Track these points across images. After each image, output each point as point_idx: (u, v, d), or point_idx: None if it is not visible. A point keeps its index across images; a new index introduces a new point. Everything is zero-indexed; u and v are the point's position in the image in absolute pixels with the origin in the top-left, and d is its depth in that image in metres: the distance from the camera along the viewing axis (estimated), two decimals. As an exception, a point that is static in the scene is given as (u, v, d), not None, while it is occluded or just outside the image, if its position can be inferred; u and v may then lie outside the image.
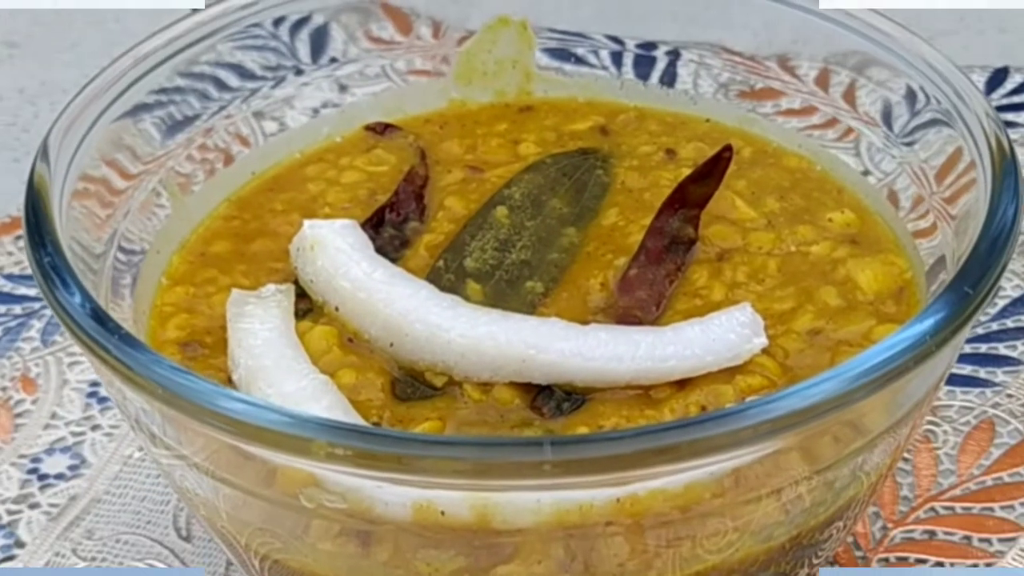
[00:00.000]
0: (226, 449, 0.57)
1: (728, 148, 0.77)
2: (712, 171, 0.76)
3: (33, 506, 0.85)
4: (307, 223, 0.75)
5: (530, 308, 0.73)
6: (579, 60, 0.91)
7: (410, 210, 0.81)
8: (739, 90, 0.88)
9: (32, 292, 0.98)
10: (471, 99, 0.90)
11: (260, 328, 0.71)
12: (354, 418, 0.66)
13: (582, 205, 0.80)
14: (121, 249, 0.76)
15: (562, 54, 0.91)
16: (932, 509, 0.80)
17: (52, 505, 0.85)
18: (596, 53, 0.91)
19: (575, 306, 0.73)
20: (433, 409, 0.68)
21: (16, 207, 1.04)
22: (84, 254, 0.71)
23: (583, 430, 0.66)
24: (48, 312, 0.94)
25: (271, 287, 0.74)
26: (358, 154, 0.86)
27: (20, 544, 0.83)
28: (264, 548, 0.63)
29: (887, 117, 0.80)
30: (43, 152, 0.69)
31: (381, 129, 0.88)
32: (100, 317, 0.61)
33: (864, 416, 0.62)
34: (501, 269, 0.76)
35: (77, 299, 0.61)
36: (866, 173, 0.81)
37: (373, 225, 0.79)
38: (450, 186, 0.83)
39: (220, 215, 0.82)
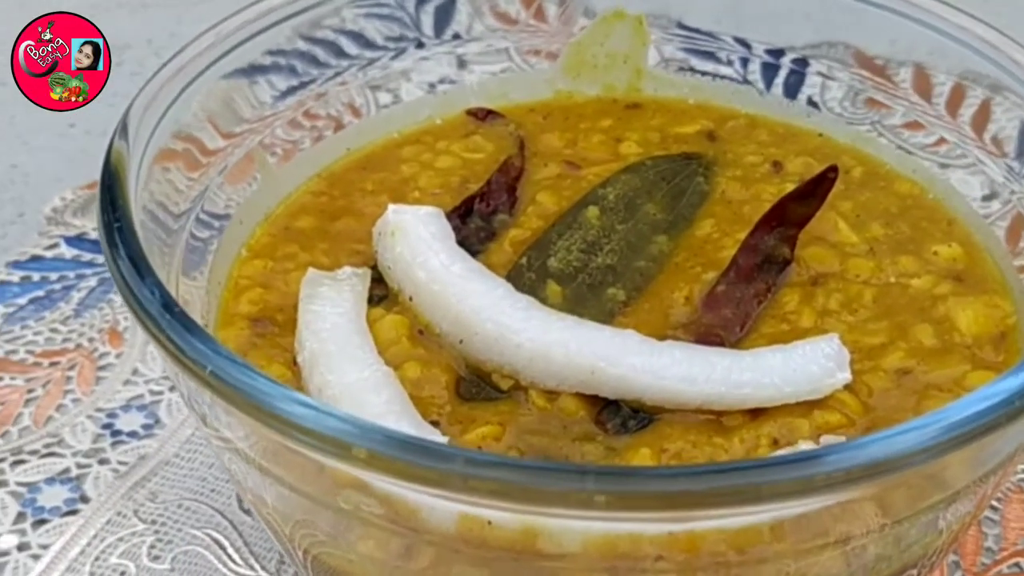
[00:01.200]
0: (269, 441, 0.56)
1: (833, 168, 0.73)
2: (815, 191, 0.73)
3: (103, 462, 0.85)
4: (391, 208, 0.74)
5: (608, 316, 0.71)
6: (705, 57, 0.88)
7: (500, 202, 0.79)
8: (867, 97, 0.84)
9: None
10: (578, 92, 0.87)
11: (331, 311, 0.69)
12: (412, 414, 0.64)
13: (677, 212, 0.77)
14: (205, 212, 0.74)
15: (685, 53, 0.88)
16: (1017, 565, 0.76)
17: (121, 463, 0.85)
18: (716, 55, 0.88)
19: (656, 318, 0.71)
20: (495, 412, 0.66)
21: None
22: (164, 214, 0.70)
23: (645, 452, 0.63)
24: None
25: (347, 270, 0.72)
26: (456, 139, 0.84)
27: (85, 499, 0.83)
28: (306, 542, 0.61)
29: (1016, 148, 0.76)
30: (126, 115, 0.68)
31: (483, 115, 0.86)
32: (164, 298, 0.59)
33: (946, 469, 0.58)
34: (585, 272, 0.73)
35: (142, 280, 0.59)
36: (989, 197, 0.76)
37: (461, 215, 0.77)
38: (544, 180, 0.80)
39: (309, 189, 0.81)
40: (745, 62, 0.87)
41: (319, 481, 0.55)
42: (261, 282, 0.74)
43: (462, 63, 0.91)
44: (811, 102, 0.85)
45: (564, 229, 0.76)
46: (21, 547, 0.81)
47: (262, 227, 0.78)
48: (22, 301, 0.96)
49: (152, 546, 0.81)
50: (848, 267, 0.73)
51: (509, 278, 0.73)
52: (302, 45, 0.85)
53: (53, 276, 0.98)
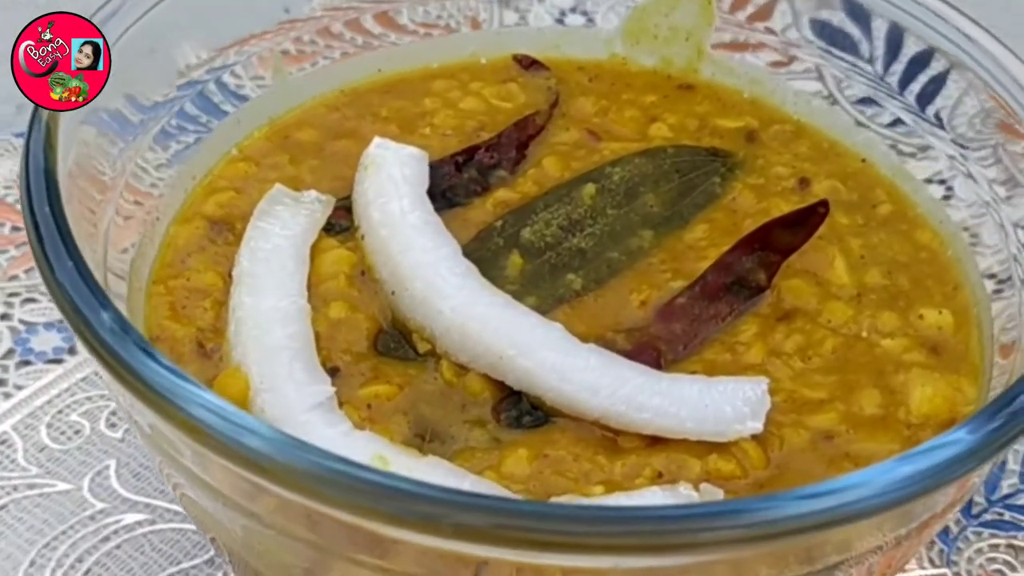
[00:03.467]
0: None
1: (824, 204, 0.68)
2: (804, 222, 0.68)
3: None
4: (375, 140, 0.72)
5: (556, 302, 0.68)
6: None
7: (506, 157, 0.76)
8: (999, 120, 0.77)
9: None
10: (633, 60, 0.83)
11: (278, 232, 0.68)
12: (309, 356, 0.63)
13: (675, 210, 0.73)
14: (202, 96, 0.74)
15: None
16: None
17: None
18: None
19: (602, 316, 0.67)
20: (401, 374, 0.64)
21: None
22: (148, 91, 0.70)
23: (523, 453, 0.60)
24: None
25: (312, 194, 0.71)
26: (492, 82, 0.81)
27: (72, 352, 0.85)
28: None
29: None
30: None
31: (528, 63, 0.82)
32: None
33: (817, 547, 0.54)
34: (554, 251, 0.70)
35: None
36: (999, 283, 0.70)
37: (457, 162, 0.74)
38: (559, 145, 0.77)
39: (325, 103, 0.79)
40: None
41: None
42: (237, 186, 0.73)
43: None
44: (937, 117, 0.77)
45: (553, 201, 0.73)
46: (-2, 383, 0.84)
47: (261, 131, 0.77)
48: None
49: (113, 412, 0.82)
50: (824, 309, 0.68)
51: (477, 238, 0.71)
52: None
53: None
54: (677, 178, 0.75)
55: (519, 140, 0.76)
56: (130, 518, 0.77)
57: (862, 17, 0.78)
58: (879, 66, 0.77)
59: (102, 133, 0.65)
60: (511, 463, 0.60)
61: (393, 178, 0.70)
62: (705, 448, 0.60)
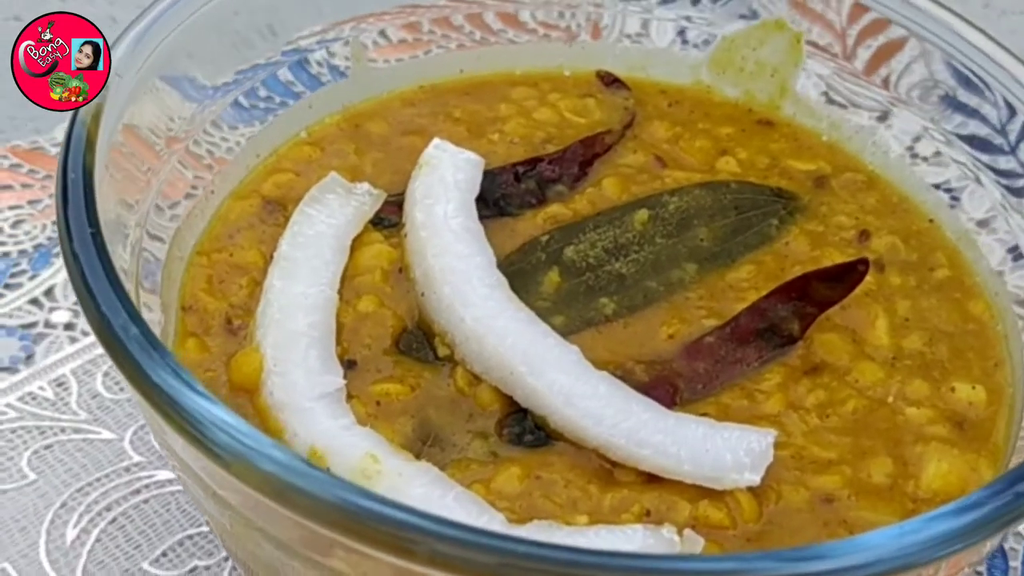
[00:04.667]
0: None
1: (864, 262, 0.66)
2: (843, 278, 0.66)
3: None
4: (435, 141, 0.72)
5: (585, 324, 0.67)
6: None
7: (568, 173, 0.75)
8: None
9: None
10: (717, 89, 0.82)
11: (323, 219, 0.69)
12: (326, 345, 0.64)
13: (725, 247, 0.72)
14: (276, 77, 0.76)
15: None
16: None
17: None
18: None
19: (628, 344, 0.67)
20: (415, 375, 0.65)
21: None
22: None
23: (515, 471, 0.60)
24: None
25: (364, 186, 0.72)
26: (571, 96, 0.81)
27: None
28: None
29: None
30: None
31: (610, 80, 0.82)
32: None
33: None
34: (593, 272, 0.70)
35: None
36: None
37: (518, 172, 0.75)
38: (623, 167, 0.76)
39: (403, 97, 0.80)
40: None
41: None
42: (299, 169, 0.75)
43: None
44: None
45: (604, 222, 0.72)
46: (68, 326, 0.87)
47: (333, 118, 0.78)
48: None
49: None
50: (854, 368, 0.66)
51: (521, 250, 0.71)
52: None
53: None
54: (734, 215, 0.74)
55: (584, 157, 0.76)
56: (162, 475, 0.79)
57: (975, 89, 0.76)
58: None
59: (171, 95, 0.67)
60: (502, 479, 0.60)
61: (444, 181, 0.71)
62: (699, 492, 0.60)
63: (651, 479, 0.61)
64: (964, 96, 0.75)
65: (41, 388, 0.84)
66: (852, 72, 0.80)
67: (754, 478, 0.60)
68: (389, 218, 0.72)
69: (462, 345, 0.65)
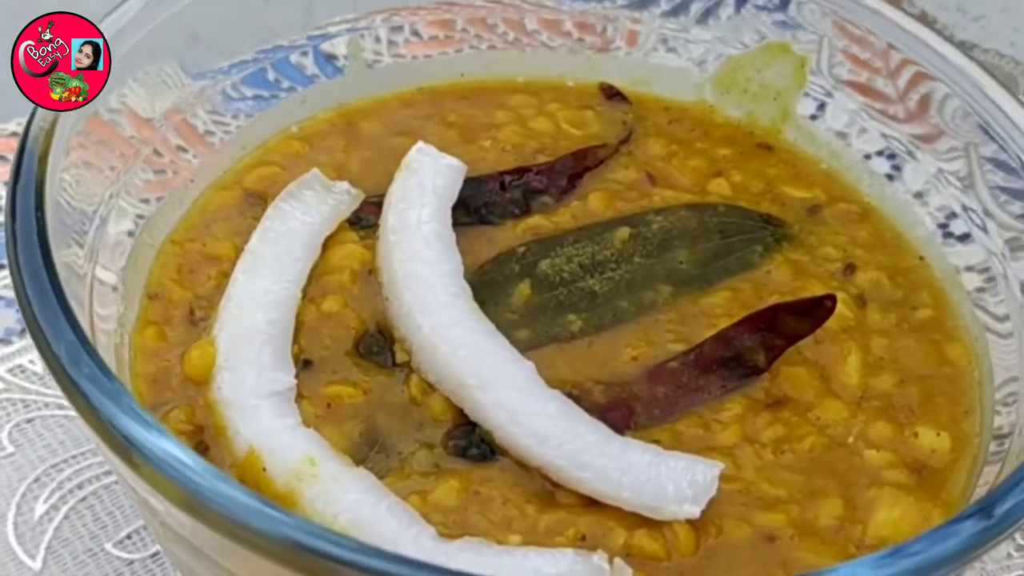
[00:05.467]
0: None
1: (831, 298, 0.65)
2: (809, 312, 0.65)
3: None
4: (419, 144, 0.72)
5: (549, 339, 0.67)
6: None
7: (555, 185, 0.75)
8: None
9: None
10: (720, 109, 0.81)
11: (297, 216, 0.69)
12: (282, 344, 0.63)
13: (703, 271, 0.71)
14: (274, 68, 0.76)
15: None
16: None
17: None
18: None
19: (589, 363, 0.66)
20: (371, 380, 0.64)
21: None
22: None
23: (454, 484, 0.60)
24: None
25: (344, 185, 0.71)
26: (571, 107, 0.80)
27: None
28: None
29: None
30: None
31: (611, 93, 0.81)
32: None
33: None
34: (565, 287, 0.69)
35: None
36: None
37: (504, 181, 0.74)
38: (612, 183, 0.75)
39: (401, 97, 0.80)
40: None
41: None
42: (285, 163, 0.74)
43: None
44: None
45: (584, 237, 0.71)
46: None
47: (326, 113, 0.78)
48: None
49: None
50: (818, 405, 0.64)
51: (495, 260, 0.70)
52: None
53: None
54: (718, 238, 0.72)
55: (574, 170, 0.75)
56: (136, 458, 0.80)
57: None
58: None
59: (158, 77, 0.67)
60: (441, 492, 0.60)
61: (422, 185, 0.70)
62: (637, 521, 0.59)
63: (591, 503, 0.60)
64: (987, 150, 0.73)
65: (31, 362, 0.85)
66: (881, 110, 0.78)
67: (693, 511, 0.58)
68: (368, 218, 0.71)
69: (418, 353, 0.64)
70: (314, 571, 0.47)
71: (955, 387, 0.67)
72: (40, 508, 0.77)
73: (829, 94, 0.78)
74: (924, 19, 0.77)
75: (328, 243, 0.69)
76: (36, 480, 0.78)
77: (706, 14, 0.81)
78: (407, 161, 0.71)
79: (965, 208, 0.72)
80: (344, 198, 0.71)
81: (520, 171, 0.75)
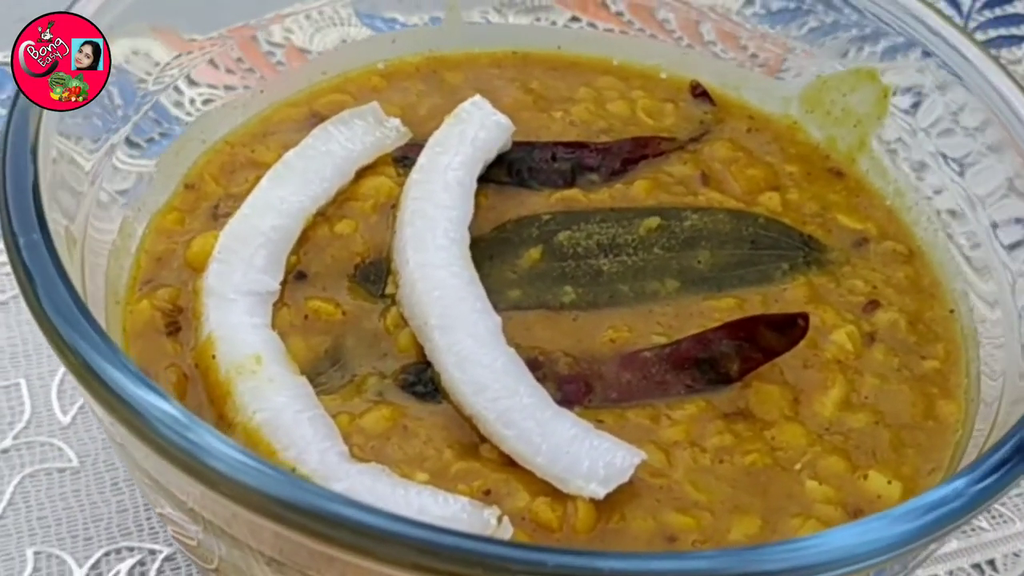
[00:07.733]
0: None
1: (804, 316, 0.63)
2: (784, 330, 0.63)
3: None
4: (475, 97, 0.73)
5: (537, 304, 0.67)
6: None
7: (606, 165, 0.75)
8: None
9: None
10: (802, 126, 0.79)
11: (340, 141, 0.71)
12: (281, 250, 0.66)
13: (718, 275, 0.70)
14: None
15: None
16: None
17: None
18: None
19: (566, 335, 0.66)
20: (354, 303, 0.66)
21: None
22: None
23: (385, 412, 0.61)
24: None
25: (395, 121, 0.73)
26: (655, 98, 0.80)
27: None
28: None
29: None
30: None
31: (699, 92, 0.80)
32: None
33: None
34: (575, 261, 0.69)
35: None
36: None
37: (555, 152, 0.74)
38: (662, 175, 0.75)
39: (494, 57, 0.81)
40: None
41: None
42: (359, 94, 0.77)
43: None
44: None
45: (610, 218, 0.72)
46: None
47: (415, 58, 0.80)
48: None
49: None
50: (778, 427, 0.63)
51: (519, 221, 0.71)
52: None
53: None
54: (747, 247, 0.71)
55: (630, 155, 0.75)
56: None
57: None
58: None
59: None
60: (371, 418, 0.62)
61: (463, 135, 0.72)
62: (545, 489, 0.59)
63: (509, 463, 0.60)
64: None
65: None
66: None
67: (599, 491, 0.58)
68: (412, 158, 0.73)
69: (402, 287, 0.66)
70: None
71: (931, 442, 0.64)
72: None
73: (913, 132, 0.75)
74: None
75: (364, 172, 0.72)
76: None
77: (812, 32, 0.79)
78: (458, 110, 0.73)
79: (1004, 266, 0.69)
80: (392, 134, 0.73)
81: (576, 145, 0.75)
